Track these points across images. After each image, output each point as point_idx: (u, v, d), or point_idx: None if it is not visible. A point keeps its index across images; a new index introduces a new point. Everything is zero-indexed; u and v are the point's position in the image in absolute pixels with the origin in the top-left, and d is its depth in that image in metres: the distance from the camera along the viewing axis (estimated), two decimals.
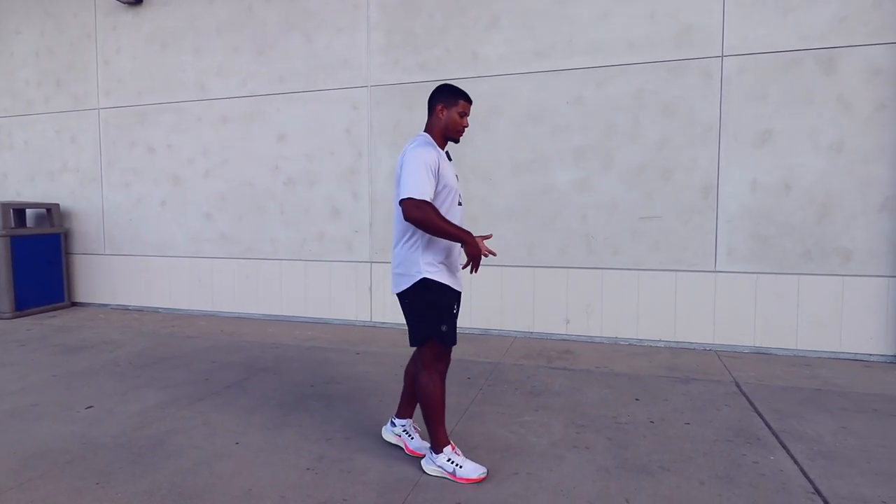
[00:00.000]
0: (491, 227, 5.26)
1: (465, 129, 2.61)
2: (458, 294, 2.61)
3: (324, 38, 5.72)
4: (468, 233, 2.41)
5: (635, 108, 4.83)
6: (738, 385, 3.83)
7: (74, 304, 7.02)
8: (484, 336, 5.30)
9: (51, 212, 6.74)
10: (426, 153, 2.42)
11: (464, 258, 2.56)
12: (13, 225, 6.43)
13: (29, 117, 7.03)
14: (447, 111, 2.56)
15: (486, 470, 2.53)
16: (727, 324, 4.72)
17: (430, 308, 2.51)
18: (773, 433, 3.02)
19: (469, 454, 2.75)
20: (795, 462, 2.68)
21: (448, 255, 2.55)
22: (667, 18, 4.71)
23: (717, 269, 4.71)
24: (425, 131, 2.61)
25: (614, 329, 5.01)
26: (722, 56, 4.60)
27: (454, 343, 2.57)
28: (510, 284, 5.27)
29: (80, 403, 3.50)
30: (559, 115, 5.03)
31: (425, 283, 2.48)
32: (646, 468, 2.62)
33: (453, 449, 2.57)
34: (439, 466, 2.54)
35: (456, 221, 2.52)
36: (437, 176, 2.44)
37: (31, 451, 2.82)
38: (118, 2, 6.39)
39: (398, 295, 2.59)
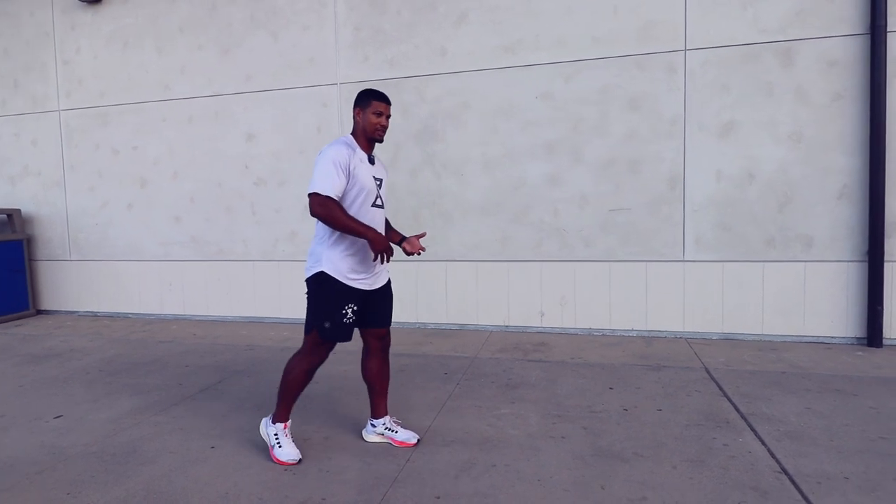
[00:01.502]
0: (464, 222, 5.29)
1: (385, 128, 2.68)
2: (364, 293, 2.67)
3: (291, 35, 5.65)
4: (371, 229, 2.49)
5: (603, 102, 4.90)
6: (707, 371, 3.94)
7: (40, 311, 6.82)
8: (460, 331, 5.33)
9: (12, 217, 6.52)
10: (337, 151, 2.52)
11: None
12: None
13: None
14: (363, 113, 2.65)
15: (298, 457, 2.66)
16: (696, 311, 4.84)
17: (319, 301, 2.62)
18: (742, 416, 3.12)
19: (447, 448, 2.78)
20: (763, 443, 2.77)
21: (356, 253, 2.61)
22: (629, 14, 4.79)
23: (686, 258, 4.83)
24: (350, 134, 2.70)
25: (588, 320, 5.10)
26: (685, 50, 4.70)
27: (334, 340, 2.63)
28: (485, 279, 5.31)
29: (49, 413, 3.42)
30: (529, 109, 5.07)
31: (321, 276, 2.59)
32: (620, 455, 2.69)
33: (285, 428, 2.74)
34: (267, 433, 2.75)
35: (366, 221, 2.58)
36: (348, 174, 2.52)
37: None
38: (76, 0, 6.20)
39: (305, 282, 2.70)
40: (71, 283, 6.67)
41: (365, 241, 2.59)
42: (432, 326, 5.50)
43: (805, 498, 2.27)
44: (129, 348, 4.99)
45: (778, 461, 2.59)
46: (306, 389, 3.69)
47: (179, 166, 6.11)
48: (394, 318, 5.45)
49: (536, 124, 5.07)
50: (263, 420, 2.82)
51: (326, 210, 2.46)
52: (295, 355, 2.72)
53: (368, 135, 2.66)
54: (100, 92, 6.32)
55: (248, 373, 4.15)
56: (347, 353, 4.50)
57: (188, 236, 6.15)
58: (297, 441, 2.86)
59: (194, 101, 6.00)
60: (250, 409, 3.39)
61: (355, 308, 2.64)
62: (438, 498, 2.34)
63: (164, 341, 5.22)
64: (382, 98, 2.66)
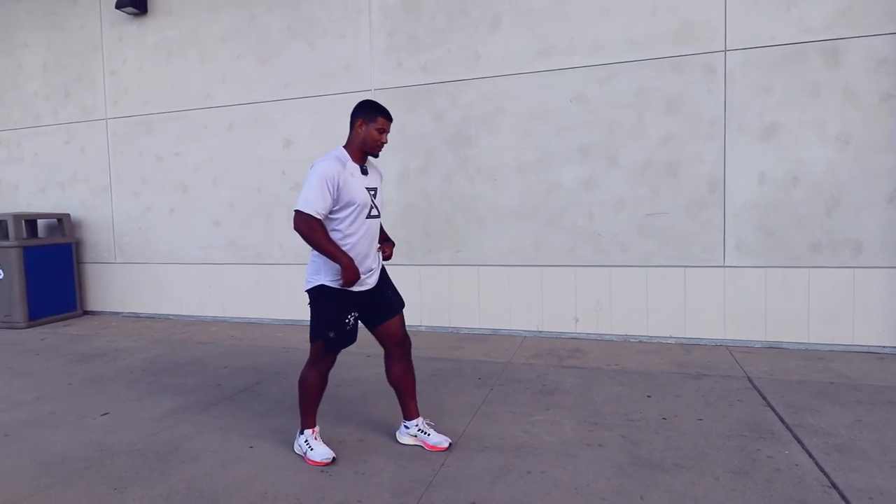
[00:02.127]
0: (497, 226, 5.27)
1: (384, 144, 2.70)
2: (364, 296, 2.71)
3: (327, 44, 5.75)
4: (346, 255, 2.54)
5: (639, 104, 4.82)
6: (750, 380, 3.82)
7: (87, 312, 7.09)
8: (493, 336, 5.31)
9: (62, 222, 6.81)
10: (328, 168, 2.53)
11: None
12: (25, 236, 6.50)
13: (38, 129, 7.12)
14: (366, 126, 2.65)
15: (331, 456, 2.70)
16: (738, 318, 4.70)
17: (322, 313, 2.67)
18: (787, 427, 3.01)
19: (482, 454, 2.77)
20: (810, 456, 2.67)
21: (353, 259, 2.61)
22: (668, 15, 4.71)
23: (726, 263, 4.70)
24: (344, 146, 2.70)
25: (624, 326, 5.00)
26: (725, 51, 4.59)
27: (340, 347, 2.69)
28: (518, 284, 5.28)
29: (96, 411, 3.54)
30: (563, 113, 5.03)
31: (322, 289, 2.64)
32: (660, 465, 2.62)
33: (314, 433, 2.78)
34: (299, 445, 2.79)
35: (361, 234, 2.63)
36: (337, 191, 2.54)
37: (50, 458, 2.86)
38: (123, 13, 6.46)
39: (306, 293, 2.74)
40: (116, 286, 6.91)
41: (359, 248, 2.62)
42: (465, 331, 5.49)
43: None
44: (170, 349, 5.14)
45: (827, 475, 2.48)
46: (339, 392, 3.75)
47: (219, 172, 6.28)
48: (427, 322, 5.54)
49: (571, 128, 5.02)
50: (296, 439, 2.86)
51: (307, 228, 2.52)
52: (305, 366, 2.77)
53: (367, 149, 2.67)
54: (145, 101, 6.56)
55: (285, 374, 4.22)
56: (378, 357, 4.53)
57: (227, 240, 6.30)
58: (333, 443, 2.89)
59: (234, 108, 6.16)
60: (287, 410, 3.44)
61: (356, 314, 2.71)
62: (474, 503, 2.32)
63: (204, 342, 5.36)
64: (388, 116, 2.68)
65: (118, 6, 6.32)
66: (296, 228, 2.54)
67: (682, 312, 4.84)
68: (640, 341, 4.95)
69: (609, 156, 4.93)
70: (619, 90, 4.87)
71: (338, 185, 2.54)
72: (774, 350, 4.55)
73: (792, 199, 4.52)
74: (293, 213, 2.55)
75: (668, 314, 4.88)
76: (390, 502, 2.35)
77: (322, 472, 2.63)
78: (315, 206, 2.51)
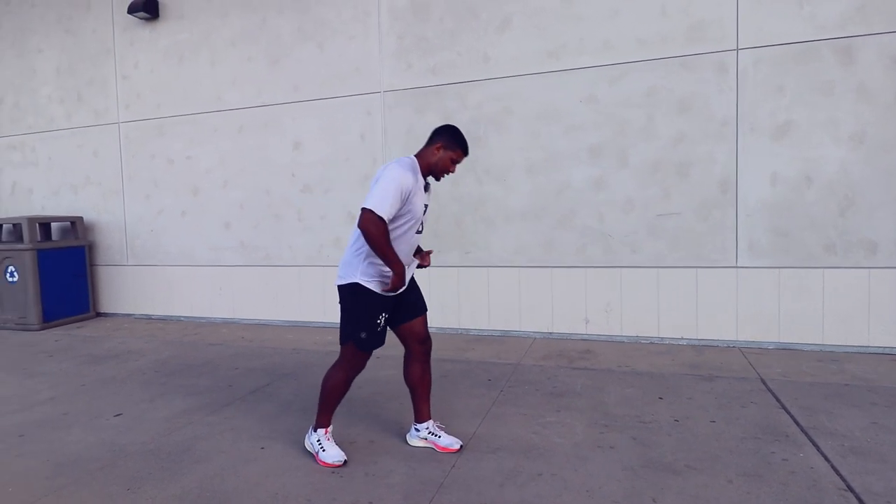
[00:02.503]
0: (506, 227, 5.26)
1: (450, 174, 2.75)
2: (394, 298, 2.72)
3: (336, 46, 5.78)
4: (400, 264, 2.56)
5: (649, 104, 4.79)
6: (763, 382, 3.78)
7: (100, 314, 7.15)
8: (503, 337, 5.30)
9: (75, 225, 6.89)
10: (405, 177, 2.54)
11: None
12: (39, 238, 6.58)
13: (52, 133, 7.20)
14: (444, 151, 2.68)
15: (343, 459, 2.70)
16: (750, 320, 4.65)
17: (354, 312, 2.66)
18: (802, 430, 2.97)
19: (492, 455, 2.75)
20: (826, 459, 2.63)
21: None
22: (678, 14, 4.68)
23: (739, 264, 4.65)
24: (416, 156, 2.71)
25: (635, 328, 4.97)
26: (737, 49, 4.55)
27: (371, 349, 2.68)
28: (528, 285, 5.26)
29: (109, 411, 3.57)
30: (572, 114, 5.01)
31: (356, 287, 2.63)
32: (672, 467, 2.60)
33: (327, 433, 2.78)
34: (311, 443, 2.80)
35: (408, 247, 2.67)
36: (405, 202, 2.56)
37: (63, 458, 2.88)
38: (135, 17, 6.52)
39: (337, 288, 2.75)
40: (128, 287, 6.98)
41: (402, 259, 2.63)
42: (475, 332, 5.48)
43: None
44: (181, 350, 5.17)
45: (843, 478, 2.45)
46: (350, 394, 3.75)
47: (230, 175, 6.32)
48: (436, 324, 5.52)
49: (580, 128, 5.00)
50: (306, 435, 2.88)
51: (376, 230, 2.48)
52: (335, 365, 2.76)
53: (435, 171, 2.71)
54: (156, 104, 6.62)
55: (296, 376, 4.23)
56: (389, 358, 4.54)
57: (237, 242, 6.34)
58: (343, 444, 2.89)
59: (244, 111, 6.20)
60: (298, 411, 3.45)
61: (387, 316, 2.71)
62: None
63: (215, 344, 5.39)
64: (467, 151, 2.73)
65: (130, 11, 6.39)
66: (361, 227, 2.50)
67: (694, 314, 4.80)
68: (652, 343, 4.91)
69: (619, 156, 4.90)
70: (629, 90, 4.84)
71: (409, 196, 2.56)
72: (788, 351, 4.50)
73: (805, 199, 4.47)
74: (362, 210, 2.50)
75: (679, 315, 4.84)
76: None
77: (333, 473, 2.63)
78: (388, 211, 2.50)
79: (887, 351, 4.36)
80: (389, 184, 2.50)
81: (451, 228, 5.44)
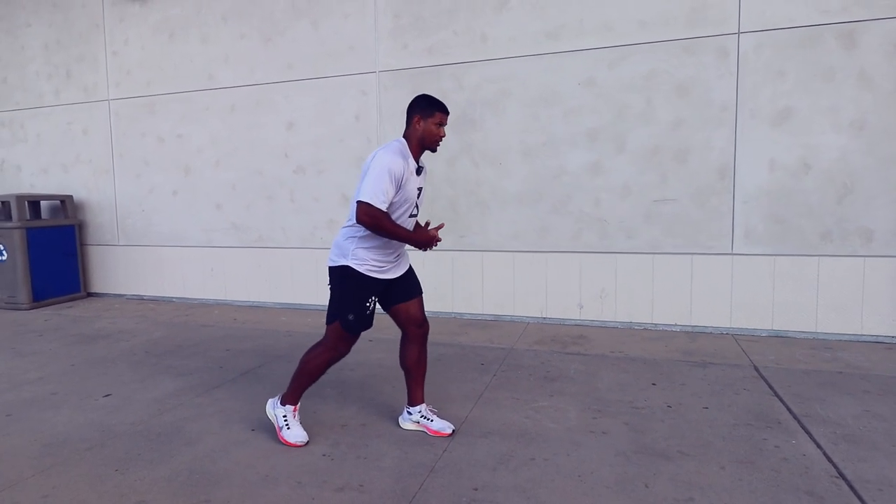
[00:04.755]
0: (501, 211, 5.21)
1: (442, 138, 2.67)
2: (386, 282, 2.70)
3: (332, 23, 5.66)
4: (412, 234, 2.59)
5: (648, 88, 4.73)
6: (756, 369, 3.78)
7: (90, 294, 7.09)
8: (496, 322, 5.28)
9: (65, 203, 6.78)
10: (395, 162, 2.50)
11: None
12: (28, 217, 6.48)
13: (41, 110, 7.06)
14: (424, 122, 2.61)
15: (306, 439, 2.70)
16: (745, 307, 4.65)
17: (343, 294, 2.64)
18: (795, 417, 2.97)
19: (484, 440, 2.74)
20: (818, 446, 2.63)
21: (382, 247, 2.63)
22: None
23: (734, 251, 4.64)
24: (404, 137, 2.66)
25: (629, 314, 4.96)
26: (738, 33, 4.48)
27: (357, 331, 2.66)
28: (522, 270, 5.23)
29: (98, 392, 3.53)
30: (570, 97, 4.94)
31: (346, 270, 2.61)
32: (664, 453, 2.59)
33: (295, 411, 2.77)
34: (275, 414, 2.78)
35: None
36: (399, 188, 2.53)
37: (52, 438, 2.85)
38: None
39: (328, 269, 2.74)
40: (119, 268, 6.90)
41: (393, 244, 2.64)
42: (468, 316, 5.46)
43: None
44: (172, 331, 5.13)
45: (835, 465, 2.45)
46: (342, 376, 3.73)
47: (222, 154, 6.22)
48: (430, 308, 5.50)
49: (578, 112, 4.93)
50: (270, 401, 2.85)
51: (375, 220, 2.47)
52: (318, 345, 2.73)
53: (426, 144, 2.65)
54: (147, 82, 6.48)
55: (288, 358, 4.20)
56: (382, 342, 4.51)
57: (229, 223, 6.27)
58: (335, 427, 2.87)
59: (237, 90, 6.09)
60: None
61: (376, 299, 2.69)
62: (476, 489, 2.30)
63: (206, 325, 5.35)
64: (445, 109, 2.65)
65: None
66: (359, 220, 2.48)
67: (689, 300, 4.79)
68: (645, 329, 4.91)
69: (617, 141, 4.85)
70: (628, 73, 4.77)
71: (402, 181, 2.53)
72: (781, 339, 4.51)
73: (803, 186, 4.44)
74: (357, 204, 2.47)
75: (673, 302, 4.83)
76: (392, 487, 2.33)
77: (324, 455, 2.61)
78: (383, 199, 2.47)
79: (881, 339, 4.37)
80: (381, 172, 2.47)
81: (445, 212, 5.39)
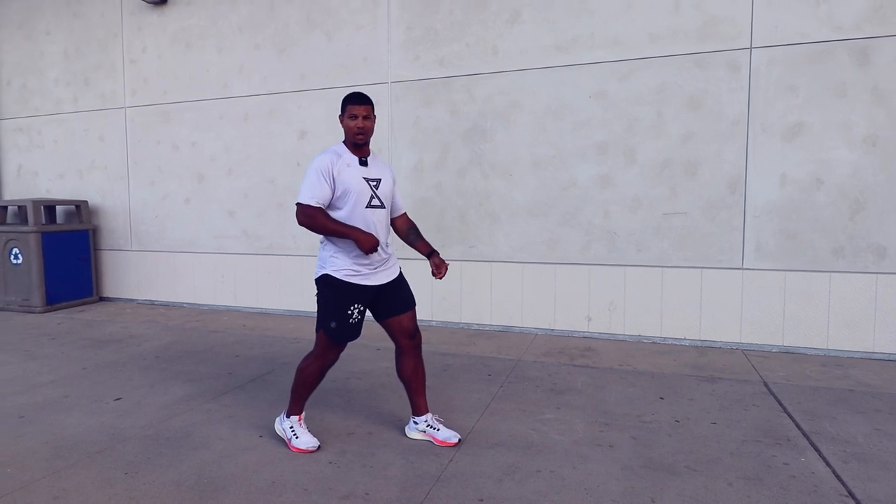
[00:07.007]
0: (511, 223, 5.23)
1: (363, 129, 2.67)
2: (373, 290, 2.72)
3: (345, 35, 5.73)
4: (355, 229, 2.57)
5: (659, 102, 4.74)
6: (766, 385, 3.75)
7: (103, 298, 7.17)
8: (504, 333, 5.28)
9: (80, 208, 6.89)
10: (320, 160, 2.63)
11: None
12: (44, 221, 6.59)
13: (58, 116, 7.19)
14: (343, 119, 2.72)
15: (316, 444, 2.74)
16: (755, 322, 4.62)
17: (326, 302, 2.70)
18: (804, 434, 2.94)
19: (490, 450, 2.74)
20: (828, 464, 2.61)
21: (351, 255, 2.65)
22: (691, 10, 4.62)
23: (745, 266, 4.61)
24: (342, 142, 2.79)
25: (637, 327, 4.94)
26: (750, 48, 4.49)
27: (342, 340, 2.69)
28: (531, 281, 5.23)
29: (109, 395, 3.57)
30: (581, 109, 4.97)
31: (326, 278, 2.68)
32: (671, 468, 2.58)
33: (300, 420, 2.83)
34: (283, 428, 2.83)
35: (366, 223, 2.64)
36: (333, 181, 2.61)
37: (62, 441, 2.88)
38: (143, 2, 6.49)
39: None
40: (131, 273, 6.98)
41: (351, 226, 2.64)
42: (476, 327, 5.47)
43: None
44: (183, 337, 5.18)
45: (844, 484, 2.42)
46: (349, 385, 3.75)
47: (234, 163, 6.30)
48: (438, 318, 5.52)
49: (588, 124, 4.95)
50: (277, 419, 2.92)
51: (309, 219, 2.59)
52: (308, 355, 2.79)
53: (349, 138, 2.72)
54: (163, 90, 6.59)
55: (295, 365, 4.21)
56: (389, 350, 4.51)
57: (241, 230, 6.33)
58: (341, 436, 2.88)
59: (250, 99, 6.17)
60: None
61: (362, 308, 2.70)
62: (482, 500, 2.30)
63: (216, 331, 5.39)
64: (355, 100, 2.68)
65: None
66: (299, 222, 2.61)
67: (698, 314, 4.76)
68: (654, 342, 4.88)
69: (627, 154, 4.86)
70: (639, 87, 4.79)
71: (332, 175, 2.62)
72: (791, 355, 4.47)
73: (815, 201, 4.42)
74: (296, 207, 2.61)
75: (683, 316, 4.81)
76: (398, 496, 2.33)
77: (330, 463, 2.62)
78: (313, 196, 2.59)
79: (893, 357, 4.32)
80: (309, 173, 2.62)
81: (455, 222, 5.41)
